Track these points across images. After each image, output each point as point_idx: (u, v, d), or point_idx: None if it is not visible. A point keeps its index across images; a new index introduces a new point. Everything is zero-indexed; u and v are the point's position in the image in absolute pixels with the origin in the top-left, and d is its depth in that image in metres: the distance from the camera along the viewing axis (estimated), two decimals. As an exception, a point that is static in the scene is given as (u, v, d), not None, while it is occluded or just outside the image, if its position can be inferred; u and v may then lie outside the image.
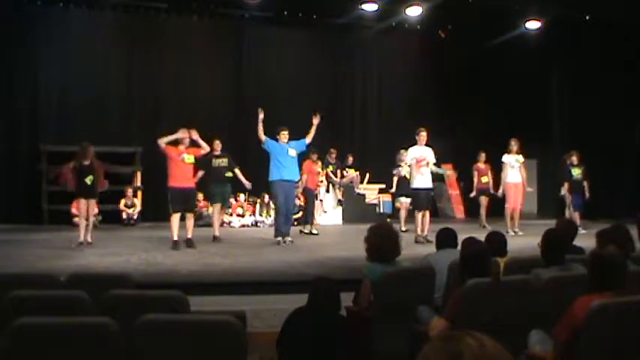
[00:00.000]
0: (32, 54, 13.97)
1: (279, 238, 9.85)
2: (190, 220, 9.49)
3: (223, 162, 10.58)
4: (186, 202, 9.39)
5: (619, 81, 14.44)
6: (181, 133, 9.33)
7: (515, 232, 11.07)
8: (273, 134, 10.23)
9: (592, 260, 3.49)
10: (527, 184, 11.86)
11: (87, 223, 9.58)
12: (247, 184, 11.11)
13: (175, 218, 9.30)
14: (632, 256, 4.50)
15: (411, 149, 10.08)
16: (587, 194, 12.06)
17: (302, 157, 11.80)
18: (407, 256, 5.43)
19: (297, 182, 10.55)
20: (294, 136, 10.50)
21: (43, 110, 14.13)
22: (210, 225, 11.15)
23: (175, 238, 9.24)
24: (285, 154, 9.95)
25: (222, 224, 11.43)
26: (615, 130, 14.59)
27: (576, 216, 11.63)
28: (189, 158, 9.39)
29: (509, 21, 14.64)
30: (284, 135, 10.07)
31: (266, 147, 10.06)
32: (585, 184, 12.05)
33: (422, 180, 9.90)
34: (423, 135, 9.96)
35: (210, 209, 11.58)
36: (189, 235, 9.39)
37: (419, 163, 9.87)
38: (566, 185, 12.04)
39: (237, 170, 10.85)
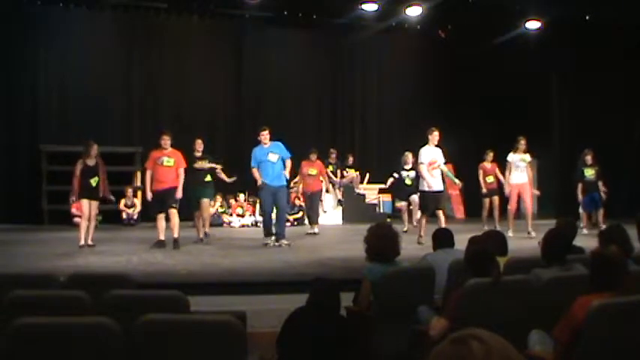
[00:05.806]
0: (32, 54, 13.98)
1: (267, 240, 9.69)
2: (173, 218, 9.40)
3: (204, 164, 10.35)
4: (163, 202, 9.43)
5: (619, 81, 14.42)
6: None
7: (514, 234, 10.44)
8: (273, 134, 10.13)
9: (592, 260, 3.49)
10: (532, 186, 11.45)
11: (88, 224, 9.39)
12: (229, 180, 11.05)
13: (159, 219, 9.44)
14: (633, 256, 4.50)
15: (422, 150, 9.71)
16: (602, 194, 11.70)
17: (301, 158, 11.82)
18: (407, 256, 5.42)
19: (283, 186, 9.94)
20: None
21: (43, 110, 14.14)
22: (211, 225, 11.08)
23: (161, 237, 9.33)
24: (264, 160, 9.66)
25: (221, 224, 11.37)
26: (615, 130, 14.57)
27: (584, 216, 11.51)
28: (169, 161, 9.45)
29: (509, 21, 14.63)
30: (264, 136, 9.74)
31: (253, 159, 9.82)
32: (600, 184, 11.73)
33: (433, 182, 9.62)
34: (435, 134, 9.64)
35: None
36: (175, 235, 9.32)
37: (431, 165, 9.68)
38: (579, 186, 11.72)
39: (218, 169, 10.57)
